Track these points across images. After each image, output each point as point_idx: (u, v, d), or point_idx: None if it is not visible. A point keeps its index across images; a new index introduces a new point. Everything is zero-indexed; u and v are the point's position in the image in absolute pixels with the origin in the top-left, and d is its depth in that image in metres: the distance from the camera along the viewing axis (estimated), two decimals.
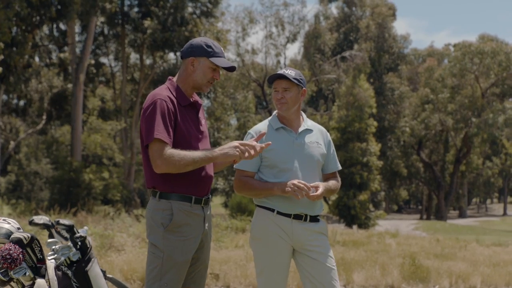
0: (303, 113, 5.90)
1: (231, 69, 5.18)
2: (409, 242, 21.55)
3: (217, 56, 5.15)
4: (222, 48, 5.25)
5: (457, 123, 64.76)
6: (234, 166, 5.58)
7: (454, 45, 66.89)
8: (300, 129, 5.74)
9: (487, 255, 17.61)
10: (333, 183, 5.81)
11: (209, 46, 5.14)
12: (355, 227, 33.66)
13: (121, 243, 14.44)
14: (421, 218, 72.69)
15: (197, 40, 5.20)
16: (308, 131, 5.77)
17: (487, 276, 13.08)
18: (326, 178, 5.85)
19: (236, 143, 4.99)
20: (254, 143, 5.06)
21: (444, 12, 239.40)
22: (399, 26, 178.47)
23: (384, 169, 60.84)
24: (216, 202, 65.13)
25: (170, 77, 5.26)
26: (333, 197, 48.95)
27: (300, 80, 5.68)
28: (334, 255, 14.78)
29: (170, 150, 4.87)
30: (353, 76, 48.43)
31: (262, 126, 5.78)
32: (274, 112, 5.88)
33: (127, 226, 18.33)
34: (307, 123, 5.83)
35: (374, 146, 47.29)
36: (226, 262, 12.75)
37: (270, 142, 5.24)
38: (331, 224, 39.44)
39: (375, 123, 48.27)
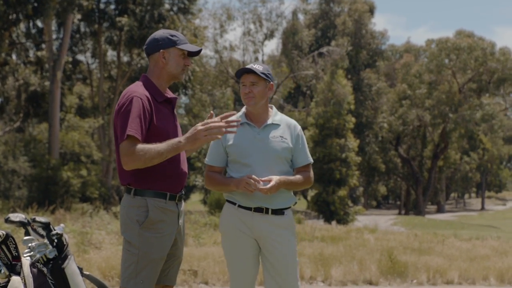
0: (273, 107, 5.91)
1: (198, 53, 5.21)
2: (387, 237, 21.61)
3: (184, 43, 5.16)
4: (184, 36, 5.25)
5: (434, 119, 65.07)
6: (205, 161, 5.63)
7: (435, 40, 67.05)
8: (264, 124, 5.74)
9: (465, 249, 17.70)
10: (299, 177, 5.75)
11: (173, 35, 5.14)
12: (334, 222, 33.78)
13: (99, 241, 14.41)
14: (399, 214, 72.96)
15: (159, 33, 5.19)
16: (274, 125, 5.76)
17: (464, 270, 13.16)
18: (297, 171, 5.81)
19: (199, 126, 4.92)
20: (217, 121, 5.01)
21: (422, 9, 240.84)
22: (378, 23, 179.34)
23: (362, 165, 61.03)
24: (195, 199, 64.97)
25: (144, 74, 5.22)
26: (312, 193, 49.10)
27: (268, 75, 5.69)
28: (313, 251, 14.81)
29: (135, 146, 4.82)
30: (331, 72, 48.49)
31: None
32: (243, 108, 5.90)
33: (105, 223, 18.29)
34: (274, 117, 5.81)
35: (353, 142, 47.41)
36: (204, 258, 12.73)
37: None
38: (310, 220, 39.44)
39: (353, 119, 48.38)
